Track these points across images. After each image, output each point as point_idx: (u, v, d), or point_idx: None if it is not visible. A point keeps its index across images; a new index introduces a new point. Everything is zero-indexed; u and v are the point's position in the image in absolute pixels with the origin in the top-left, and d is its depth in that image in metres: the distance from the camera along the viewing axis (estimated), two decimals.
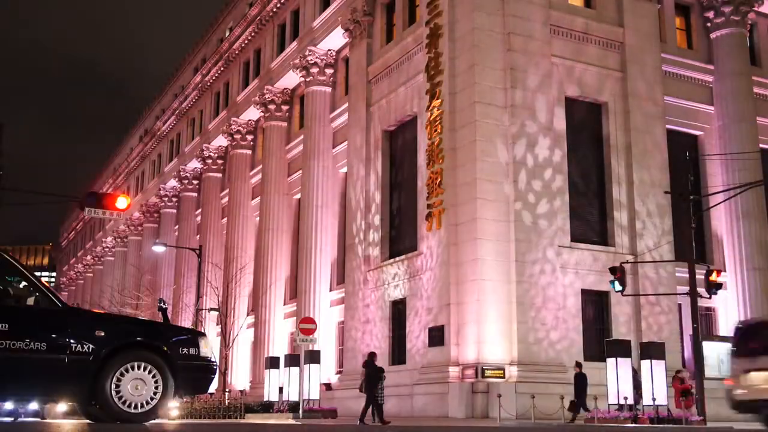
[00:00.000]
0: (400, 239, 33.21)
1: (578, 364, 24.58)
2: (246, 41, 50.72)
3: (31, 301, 8.72)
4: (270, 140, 45.92)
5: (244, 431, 9.15)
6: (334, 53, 40.69)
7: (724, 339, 30.48)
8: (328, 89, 40.77)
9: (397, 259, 32.13)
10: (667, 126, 32.09)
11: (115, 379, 8.67)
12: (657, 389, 23.44)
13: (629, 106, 30.84)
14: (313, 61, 40.52)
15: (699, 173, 32.81)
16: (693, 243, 26.11)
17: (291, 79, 44.09)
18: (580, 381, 24.02)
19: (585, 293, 28.91)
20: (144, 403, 8.81)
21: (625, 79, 31.10)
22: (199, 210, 59.09)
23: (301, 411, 28.52)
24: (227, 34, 54.67)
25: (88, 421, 9.80)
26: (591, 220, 30.36)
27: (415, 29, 32.63)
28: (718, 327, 33.02)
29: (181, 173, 61.72)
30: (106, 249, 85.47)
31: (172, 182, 65.09)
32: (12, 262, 8.79)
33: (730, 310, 32.80)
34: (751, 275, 32.59)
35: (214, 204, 55.73)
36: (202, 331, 8.81)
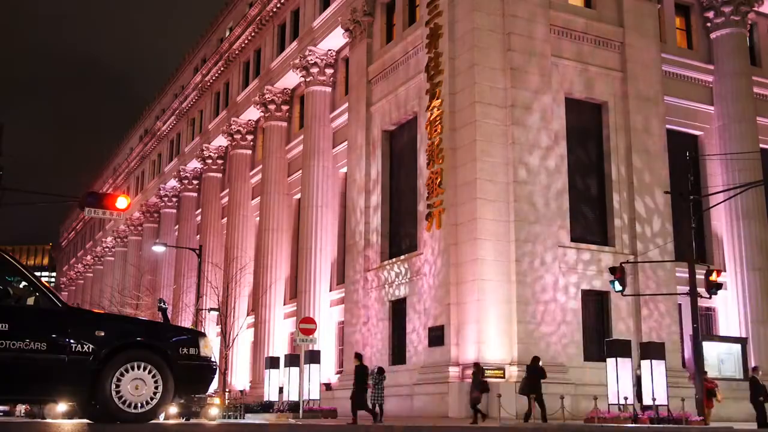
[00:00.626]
0: (400, 239, 33.21)
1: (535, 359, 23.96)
2: (246, 41, 50.72)
3: (31, 301, 8.71)
4: (270, 140, 45.92)
5: (243, 431, 9.13)
6: (334, 53, 40.69)
7: (724, 339, 30.56)
8: (328, 89, 40.77)
9: (397, 259, 32.12)
10: (667, 126, 32.08)
11: (115, 379, 8.63)
12: (657, 389, 23.46)
13: (629, 106, 30.83)
14: (313, 61, 40.52)
15: (699, 173, 32.76)
16: (693, 243, 26.09)
17: (291, 79, 44.10)
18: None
19: (585, 293, 28.91)
20: (144, 403, 8.76)
21: (625, 79, 31.09)
22: (199, 210, 59.08)
23: (301, 411, 28.54)
24: (227, 34, 54.68)
25: (88, 421, 9.78)
26: (591, 220, 30.35)
27: (415, 29, 32.62)
28: (718, 327, 33.02)
29: (181, 173, 61.72)
30: (106, 249, 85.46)
31: (172, 182, 65.09)
32: (12, 262, 8.78)
33: (730, 310, 32.81)
34: (751, 275, 32.59)
35: (214, 204, 55.73)
36: (203, 331, 8.81)
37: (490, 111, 28.10)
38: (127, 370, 8.71)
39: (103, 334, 8.69)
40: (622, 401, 23.22)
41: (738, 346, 29.71)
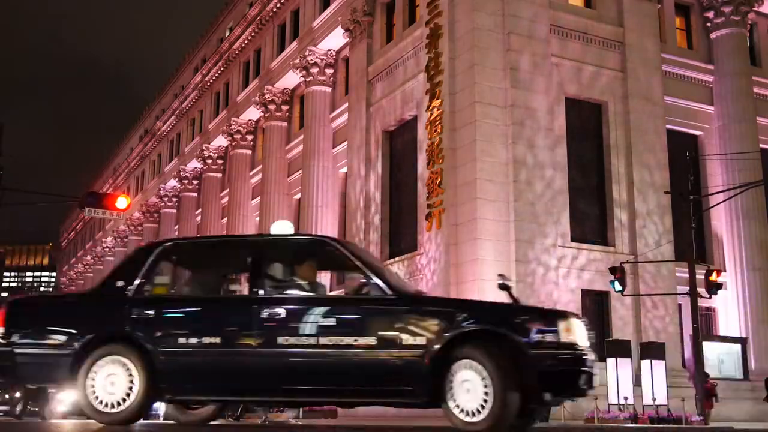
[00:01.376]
0: (400, 239, 33.21)
1: None
2: (246, 41, 50.74)
3: (365, 289, 7.43)
4: (270, 140, 45.94)
5: (243, 431, 9.12)
6: (334, 53, 40.70)
7: (724, 339, 30.59)
8: (328, 89, 40.78)
9: (397, 259, 32.13)
10: (667, 126, 32.08)
11: (453, 376, 7.15)
12: (657, 389, 23.49)
13: (629, 106, 30.83)
14: (313, 61, 40.53)
15: (699, 173, 32.75)
16: (693, 243, 26.11)
17: (291, 79, 44.11)
18: None
19: (585, 293, 28.89)
20: (476, 409, 7.11)
21: (625, 79, 31.09)
22: (199, 210, 59.09)
23: (301, 411, 28.52)
24: (227, 34, 54.70)
25: (88, 420, 9.74)
26: (591, 220, 30.34)
27: (415, 29, 32.63)
28: (718, 327, 33.02)
29: (181, 173, 61.74)
30: (106, 249, 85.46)
31: (172, 182, 65.10)
32: (339, 248, 7.69)
33: (730, 310, 32.80)
34: (751, 275, 32.58)
35: (214, 204, 55.73)
36: (564, 310, 6.55)
37: (490, 111, 28.11)
38: (465, 367, 7.06)
39: (441, 323, 7.11)
40: (622, 401, 23.24)
41: (738, 346, 29.74)
